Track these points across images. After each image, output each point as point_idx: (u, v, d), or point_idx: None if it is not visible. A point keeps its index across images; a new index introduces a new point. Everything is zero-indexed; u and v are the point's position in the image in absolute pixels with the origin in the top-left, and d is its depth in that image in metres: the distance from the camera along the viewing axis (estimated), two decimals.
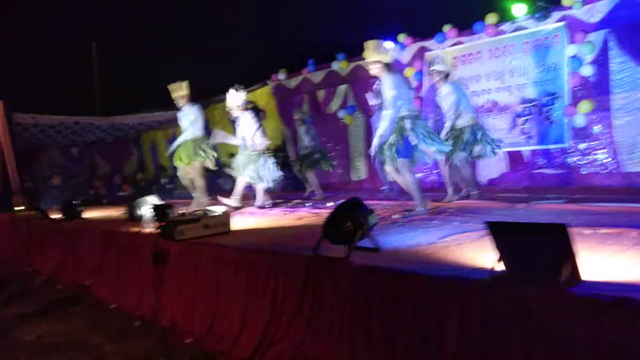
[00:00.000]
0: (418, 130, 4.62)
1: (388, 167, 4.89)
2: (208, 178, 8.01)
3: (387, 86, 4.60)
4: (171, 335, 3.61)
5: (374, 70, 4.73)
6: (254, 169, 6.27)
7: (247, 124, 6.45)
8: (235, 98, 6.49)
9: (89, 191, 12.16)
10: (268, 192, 6.68)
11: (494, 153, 5.75)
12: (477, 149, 5.66)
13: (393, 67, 4.75)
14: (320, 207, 5.93)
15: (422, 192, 4.80)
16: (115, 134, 13.56)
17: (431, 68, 5.85)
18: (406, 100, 4.66)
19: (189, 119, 6.60)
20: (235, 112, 6.53)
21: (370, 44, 4.69)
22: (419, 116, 4.85)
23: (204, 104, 9.12)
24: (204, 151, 6.57)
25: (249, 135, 6.41)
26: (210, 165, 6.69)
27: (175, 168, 7.05)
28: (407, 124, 4.60)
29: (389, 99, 4.58)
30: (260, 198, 6.43)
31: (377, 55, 4.65)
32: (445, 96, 5.67)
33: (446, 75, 5.73)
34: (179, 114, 6.77)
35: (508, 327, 1.94)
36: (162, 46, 13.48)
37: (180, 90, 6.64)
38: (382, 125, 4.64)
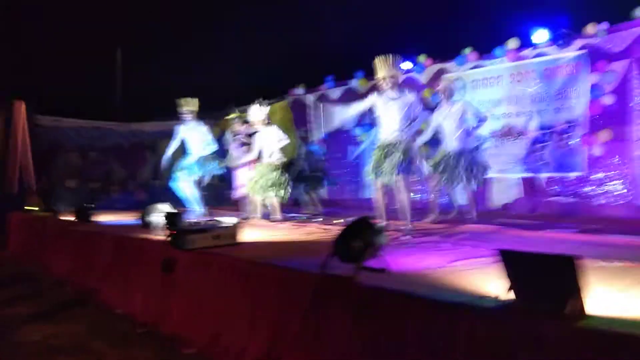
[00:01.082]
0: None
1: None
2: (218, 189, 8.16)
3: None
4: (174, 344, 3.60)
5: (385, 86, 4.91)
6: (272, 183, 6.30)
7: (271, 137, 6.51)
8: (259, 113, 6.56)
9: (104, 195, 12.28)
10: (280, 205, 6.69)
11: None
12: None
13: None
14: (330, 224, 5.91)
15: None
16: (132, 140, 13.72)
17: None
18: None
19: (202, 135, 7.04)
20: (258, 126, 6.60)
21: (378, 61, 4.91)
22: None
23: (221, 114, 9.26)
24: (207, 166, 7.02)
25: (271, 148, 6.46)
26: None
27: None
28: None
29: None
30: (277, 212, 6.46)
31: (391, 70, 4.84)
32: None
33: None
34: (183, 127, 7.10)
35: (516, 358, 1.91)
36: (184, 56, 13.67)
37: (192, 106, 7.03)
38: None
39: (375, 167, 4.93)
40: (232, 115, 7.35)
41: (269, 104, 6.84)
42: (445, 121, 5.74)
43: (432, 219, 5.75)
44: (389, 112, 4.95)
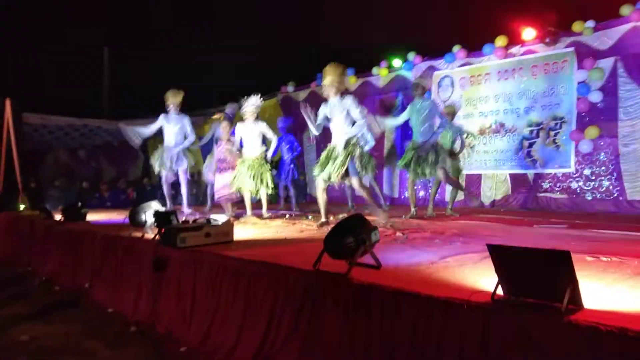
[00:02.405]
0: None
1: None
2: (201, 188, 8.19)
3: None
4: (166, 342, 3.59)
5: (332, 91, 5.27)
6: (257, 177, 6.30)
7: (256, 132, 6.49)
8: (252, 106, 6.54)
9: (94, 194, 12.19)
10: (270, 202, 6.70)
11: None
12: None
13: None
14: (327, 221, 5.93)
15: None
16: (122, 137, 13.60)
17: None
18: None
19: (187, 127, 7.17)
20: (247, 118, 6.55)
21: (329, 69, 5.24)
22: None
23: (209, 113, 9.27)
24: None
25: (254, 143, 6.44)
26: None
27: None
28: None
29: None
30: (265, 207, 6.47)
31: (337, 78, 5.23)
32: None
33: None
34: (168, 118, 7.18)
35: (507, 353, 1.93)
36: (172, 54, 13.61)
37: (179, 98, 7.11)
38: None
39: (321, 167, 5.32)
40: (216, 116, 7.37)
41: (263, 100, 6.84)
42: (414, 116, 5.88)
43: (411, 215, 5.88)
44: (334, 117, 5.36)
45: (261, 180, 6.30)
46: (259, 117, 6.70)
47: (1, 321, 4.22)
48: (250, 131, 6.51)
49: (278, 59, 11.72)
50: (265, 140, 6.65)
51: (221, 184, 6.72)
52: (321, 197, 5.44)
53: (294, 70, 10.92)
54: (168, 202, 7.37)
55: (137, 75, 13.43)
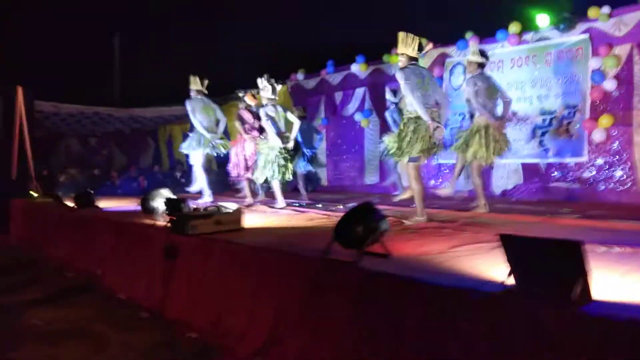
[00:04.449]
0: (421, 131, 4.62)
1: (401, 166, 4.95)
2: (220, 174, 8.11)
3: (399, 79, 4.67)
4: (177, 328, 3.63)
5: (401, 63, 4.80)
6: (273, 167, 6.24)
7: (275, 118, 6.33)
8: (270, 89, 6.39)
9: (105, 181, 12.29)
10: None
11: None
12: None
13: (414, 61, 4.77)
14: (332, 209, 5.93)
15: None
16: (133, 125, 13.68)
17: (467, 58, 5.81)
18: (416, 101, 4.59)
19: (218, 111, 7.08)
20: (266, 102, 6.39)
21: (400, 35, 4.75)
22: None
23: (223, 99, 9.24)
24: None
25: (274, 129, 6.30)
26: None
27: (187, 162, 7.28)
28: (411, 127, 4.63)
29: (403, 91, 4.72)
30: (279, 198, 6.37)
31: (404, 47, 4.73)
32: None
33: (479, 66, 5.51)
34: (200, 105, 6.98)
35: (517, 343, 1.92)
36: (184, 41, 13.59)
37: (194, 84, 7.03)
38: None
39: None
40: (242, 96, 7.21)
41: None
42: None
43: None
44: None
45: (272, 166, 6.24)
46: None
47: (15, 305, 4.29)
48: (274, 115, 6.34)
49: (287, 47, 11.65)
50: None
51: (234, 163, 6.84)
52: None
53: (303, 57, 10.87)
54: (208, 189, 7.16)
55: (149, 62, 13.43)
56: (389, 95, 7.38)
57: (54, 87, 11.83)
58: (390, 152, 4.79)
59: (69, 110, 11.75)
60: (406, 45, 4.72)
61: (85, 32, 13.37)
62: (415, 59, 4.77)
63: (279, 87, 6.60)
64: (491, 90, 5.42)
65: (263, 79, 6.37)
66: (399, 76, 4.66)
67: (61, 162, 13.23)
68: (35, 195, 8.73)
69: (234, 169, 7.02)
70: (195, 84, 7.05)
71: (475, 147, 5.29)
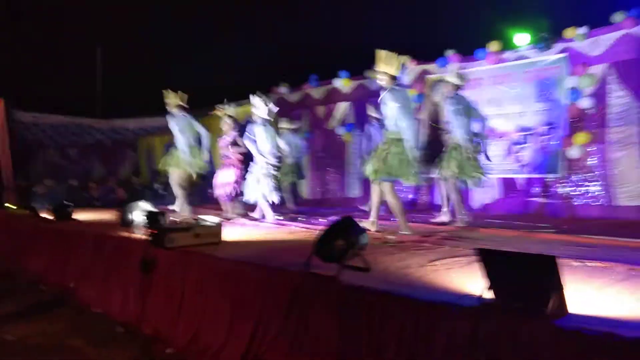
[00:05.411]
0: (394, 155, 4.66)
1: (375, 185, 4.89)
2: (200, 187, 8.02)
3: (388, 101, 4.65)
4: (154, 343, 3.57)
5: (382, 82, 4.76)
6: (267, 184, 6.22)
7: (269, 136, 6.32)
8: (264, 107, 6.34)
9: (83, 193, 12.10)
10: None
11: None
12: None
13: (396, 80, 4.75)
14: (312, 223, 5.92)
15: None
16: (114, 137, 13.56)
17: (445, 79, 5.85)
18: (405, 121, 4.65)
19: (194, 126, 6.90)
20: (258, 120, 6.37)
21: (381, 54, 4.74)
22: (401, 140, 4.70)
23: (203, 112, 9.19)
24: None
25: (269, 147, 6.31)
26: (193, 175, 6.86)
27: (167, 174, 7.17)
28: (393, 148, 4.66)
29: (389, 112, 4.65)
30: (270, 213, 6.32)
31: (386, 66, 4.69)
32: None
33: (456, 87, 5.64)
34: (183, 122, 6.89)
35: (494, 356, 1.93)
36: (165, 53, 13.56)
37: (177, 99, 6.89)
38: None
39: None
40: (225, 110, 7.08)
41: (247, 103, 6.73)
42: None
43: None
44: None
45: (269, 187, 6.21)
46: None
47: None
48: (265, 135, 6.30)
49: (269, 60, 11.71)
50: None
51: (220, 180, 6.70)
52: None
53: (285, 71, 10.93)
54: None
55: (130, 75, 13.37)
56: (371, 112, 7.43)
57: (34, 97, 11.70)
58: (374, 175, 4.74)
59: (48, 121, 11.61)
60: (388, 63, 4.69)
61: (67, 43, 13.27)
62: (396, 78, 4.74)
63: (275, 110, 6.55)
64: (468, 110, 5.54)
65: (257, 97, 6.34)
66: (389, 98, 4.63)
67: (39, 173, 13.00)
68: (12, 206, 8.56)
69: (220, 188, 6.81)
70: (174, 98, 6.89)
71: (452, 162, 5.38)
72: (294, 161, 8.06)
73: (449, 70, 6.21)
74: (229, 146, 6.75)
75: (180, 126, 6.84)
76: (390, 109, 4.64)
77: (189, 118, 6.91)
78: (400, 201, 4.83)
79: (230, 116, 6.94)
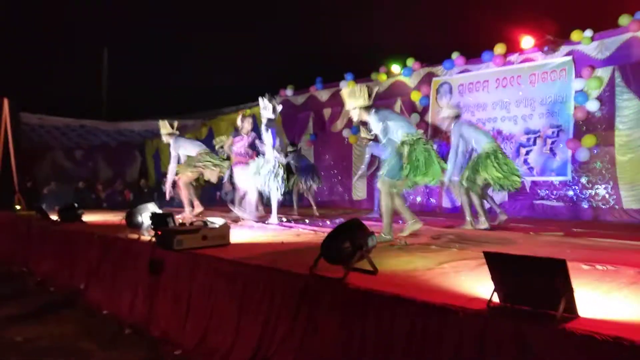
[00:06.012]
0: (417, 154, 4.50)
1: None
2: (208, 190, 8.08)
3: (374, 124, 4.61)
4: (161, 345, 3.58)
5: (355, 117, 4.69)
6: (273, 182, 6.24)
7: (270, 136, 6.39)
8: (272, 108, 6.39)
9: (90, 195, 12.17)
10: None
11: None
12: None
13: (372, 106, 4.63)
14: (319, 225, 5.93)
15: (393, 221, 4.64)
16: (120, 139, 13.63)
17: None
18: (401, 126, 4.60)
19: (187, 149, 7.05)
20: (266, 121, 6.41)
21: (344, 92, 4.72)
22: (420, 139, 4.61)
23: (212, 114, 9.24)
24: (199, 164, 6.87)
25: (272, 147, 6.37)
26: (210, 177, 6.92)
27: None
28: (406, 149, 4.53)
29: (382, 132, 4.59)
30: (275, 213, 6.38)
31: (353, 101, 4.61)
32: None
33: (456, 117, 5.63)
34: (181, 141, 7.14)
35: (503, 359, 1.93)
36: (172, 56, 13.61)
37: (165, 128, 7.08)
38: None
39: None
40: (247, 112, 7.17)
41: (253, 105, 6.78)
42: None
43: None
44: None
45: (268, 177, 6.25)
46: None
47: None
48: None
49: (276, 62, 11.73)
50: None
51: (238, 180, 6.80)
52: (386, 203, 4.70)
53: (292, 73, 10.95)
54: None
55: (137, 77, 13.42)
56: (364, 134, 7.35)
57: (41, 99, 11.76)
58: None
59: (54, 123, 11.68)
60: (354, 97, 4.59)
61: (73, 44, 13.35)
62: (371, 106, 4.60)
63: (279, 108, 6.57)
64: (474, 130, 5.64)
65: (264, 98, 6.37)
66: (374, 120, 4.55)
67: (46, 175, 13.08)
68: (19, 208, 8.61)
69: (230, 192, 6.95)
70: (163, 128, 7.08)
71: (490, 169, 5.30)
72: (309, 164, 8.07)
73: (443, 105, 6.36)
74: (246, 146, 6.76)
75: (183, 143, 7.09)
76: (382, 130, 4.57)
77: (181, 141, 7.12)
78: (394, 206, 4.63)
79: (252, 117, 7.02)
